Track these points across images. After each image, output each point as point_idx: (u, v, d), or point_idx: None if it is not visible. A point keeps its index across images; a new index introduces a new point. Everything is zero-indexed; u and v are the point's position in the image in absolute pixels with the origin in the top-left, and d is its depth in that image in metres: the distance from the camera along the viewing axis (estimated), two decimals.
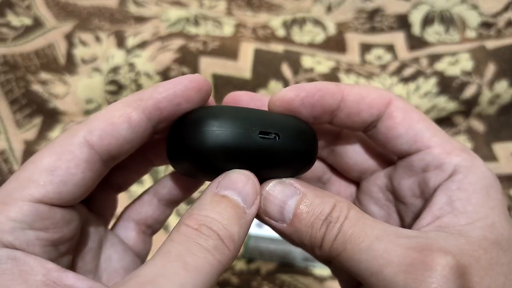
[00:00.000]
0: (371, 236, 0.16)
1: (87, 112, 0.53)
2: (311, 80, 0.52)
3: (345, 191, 0.24)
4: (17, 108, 0.51)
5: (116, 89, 0.53)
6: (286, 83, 0.52)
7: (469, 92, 0.50)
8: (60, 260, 0.17)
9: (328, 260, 0.17)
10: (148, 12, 0.63)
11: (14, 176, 0.16)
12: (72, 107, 0.52)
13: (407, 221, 0.20)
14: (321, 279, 0.41)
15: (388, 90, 0.20)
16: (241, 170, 0.17)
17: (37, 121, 0.51)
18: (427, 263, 0.15)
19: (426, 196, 0.19)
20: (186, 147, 0.17)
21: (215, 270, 0.14)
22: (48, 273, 0.15)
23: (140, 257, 0.22)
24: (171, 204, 0.22)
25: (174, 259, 0.14)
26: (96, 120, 0.16)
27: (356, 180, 0.23)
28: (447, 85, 0.51)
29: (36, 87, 0.52)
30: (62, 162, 0.15)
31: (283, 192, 0.17)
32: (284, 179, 0.18)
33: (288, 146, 0.17)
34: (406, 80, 0.52)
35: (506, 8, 0.57)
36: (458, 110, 0.51)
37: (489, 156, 0.50)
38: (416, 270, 0.15)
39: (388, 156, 0.22)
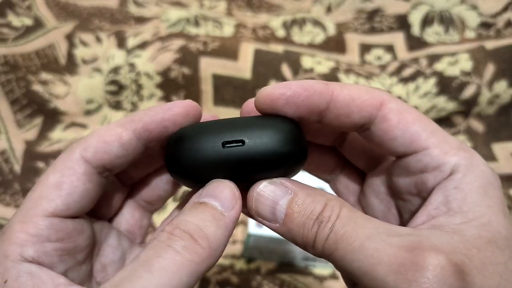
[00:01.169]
0: (362, 235, 0.16)
1: (88, 112, 0.53)
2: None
3: (353, 184, 0.24)
4: (17, 108, 0.51)
5: (116, 89, 0.53)
6: None
7: (468, 92, 0.51)
8: (79, 268, 0.18)
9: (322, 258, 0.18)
10: (148, 13, 0.63)
11: (28, 197, 0.18)
12: (72, 107, 0.52)
13: (405, 217, 0.20)
14: (321, 279, 0.41)
15: (381, 90, 0.19)
16: (220, 179, 0.18)
17: (38, 121, 0.52)
18: (418, 263, 0.14)
19: (424, 195, 0.19)
20: (174, 163, 0.18)
21: (185, 269, 0.15)
22: (57, 287, 0.16)
23: (137, 237, 0.23)
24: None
25: (141, 264, 0.15)
26: (91, 139, 0.19)
27: (364, 171, 0.23)
28: (446, 85, 0.51)
29: (37, 87, 0.52)
30: (66, 177, 0.18)
31: (274, 192, 0.18)
32: (275, 179, 0.18)
33: (258, 150, 0.17)
34: (405, 80, 0.52)
35: (505, 9, 0.57)
36: (457, 110, 0.51)
37: (488, 156, 0.50)
38: (407, 270, 0.14)
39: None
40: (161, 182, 0.23)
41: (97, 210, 0.21)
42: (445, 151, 0.18)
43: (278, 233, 0.18)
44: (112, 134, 0.18)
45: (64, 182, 0.18)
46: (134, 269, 0.15)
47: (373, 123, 0.19)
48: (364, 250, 0.15)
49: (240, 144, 0.17)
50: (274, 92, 0.18)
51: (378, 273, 0.15)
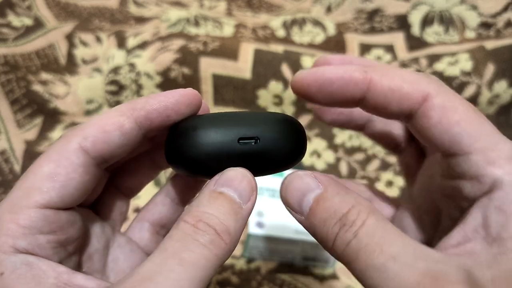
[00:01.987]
0: (387, 254, 0.15)
1: (88, 112, 0.53)
2: None
3: (415, 163, 0.23)
4: (17, 108, 0.51)
5: (116, 89, 0.53)
6: (286, 84, 0.52)
7: (468, 92, 0.51)
8: (69, 259, 0.18)
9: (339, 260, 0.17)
10: (148, 13, 0.63)
11: (17, 186, 0.17)
12: (72, 107, 0.52)
13: (443, 222, 0.19)
14: (321, 279, 0.41)
15: (430, 80, 0.17)
16: (237, 168, 0.18)
17: (38, 121, 0.52)
18: None
19: (461, 204, 0.17)
20: (180, 155, 0.18)
21: (211, 264, 0.15)
22: (59, 276, 0.16)
23: (118, 223, 0.23)
24: (184, 202, 0.23)
25: (171, 256, 0.14)
26: (90, 127, 0.17)
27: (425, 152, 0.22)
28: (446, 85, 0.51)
29: (37, 87, 0.52)
30: (61, 168, 0.17)
31: (304, 184, 0.17)
32: (308, 171, 0.18)
33: (271, 147, 0.18)
34: None
35: (505, 9, 0.57)
36: None
37: None
38: None
39: None
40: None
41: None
42: (490, 160, 0.16)
43: (303, 226, 0.17)
44: (112, 122, 0.17)
45: (59, 174, 0.17)
46: (163, 261, 0.14)
47: (414, 117, 0.17)
48: (386, 271, 0.14)
49: (254, 141, 0.18)
50: (307, 77, 0.18)
51: None
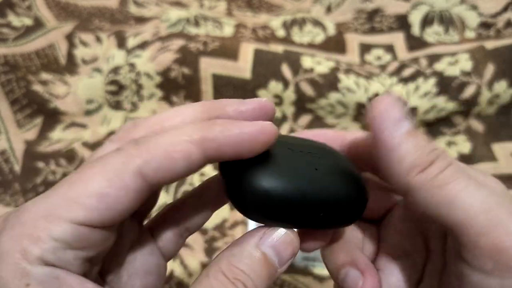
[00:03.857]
0: (475, 183, 0.16)
1: (88, 112, 0.53)
2: (311, 80, 0.52)
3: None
4: (17, 108, 0.51)
5: (116, 89, 0.53)
6: (286, 84, 0.52)
7: (468, 92, 0.51)
8: (92, 270, 0.17)
9: (417, 188, 0.17)
10: (148, 13, 0.63)
11: (61, 191, 0.15)
12: (72, 107, 0.53)
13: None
14: (320, 279, 0.41)
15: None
16: (288, 231, 0.18)
17: (38, 121, 0.52)
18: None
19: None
20: (246, 199, 0.17)
21: None
22: None
23: (166, 258, 0.22)
24: (216, 207, 0.22)
25: None
26: (155, 150, 0.16)
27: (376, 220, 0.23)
28: (446, 85, 0.51)
29: (37, 87, 0.52)
30: (112, 189, 0.15)
31: (400, 113, 0.17)
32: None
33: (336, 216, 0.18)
34: (405, 80, 0.52)
35: (505, 9, 0.57)
36: (457, 110, 0.51)
37: (488, 156, 0.50)
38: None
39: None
40: (205, 210, 0.22)
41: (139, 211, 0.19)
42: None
43: (389, 143, 0.17)
44: (180, 150, 0.16)
45: (109, 195, 0.15)
46: None
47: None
48: (486, 189, 0.16)
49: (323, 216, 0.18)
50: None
51: (498, 214, 0.15)
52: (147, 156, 0.15)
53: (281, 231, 0.17)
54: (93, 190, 0.15)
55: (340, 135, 0.22)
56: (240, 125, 0.16)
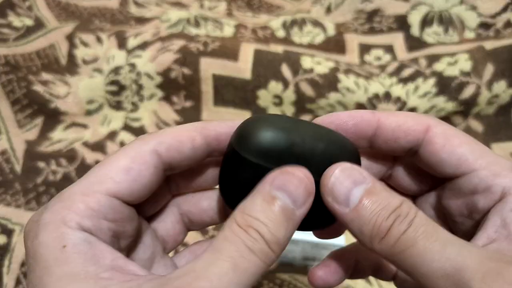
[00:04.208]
0: (444, 238, 0.16)
1: (88, 112, 0.53)
2: (311, 80, 0.52)
3: None
4: (18, 108, 0.52)
5: (117, 90, 0.53)
6: (286, 84, 0.52)
7: (467, 92, 0.51)
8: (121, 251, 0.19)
9: (384, 256, 0.17)
10: (148, 13, 0.63)
11: (93, 172, 0.18)
12: (73, 107, 0.53)
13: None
14: None
15: (428, 116, 0.20)
16: (296, 168, 0.17)
17: (38, 121, 0.52)
18: (504, 275, 0.14)
19: (475, 217, 0.19)
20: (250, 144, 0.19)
21: (260, 271, 0.16)
22: (115, 259, 0.16)
23: (168, 247, 0.23)
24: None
25: (225, 259, 0.15)
26: (165, 135, 0.19)
27: (412, 198, 0.24)
28: (446, 85, 0.51)
29: (37, 88, 0.52)
30: (135, 164, 0.18)
31: (353, 177, 0.18)
32: (355, 166, 0.18)
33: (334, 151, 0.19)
34: (405, 80, 0.52)
35: (505, 9, 0.58)
36: (456, 110, 0.52)
37: None
38: (493, 280, 0.14)
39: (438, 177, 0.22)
40: (212, 211, 0.23)
41: (143, 204, 0.20)
42: (495, 173, 0.18)
43: (343, 219, 0.17)
44: (186, 135, 0.19)
45: (133, 169, 0.18)
46: (218, 262, 0.15)
47: (421, 147, 0.20)
48: (447, 252, 0.15)
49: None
50: (325, 120, 0.20)
51: (461, 277, 0.15)
52: (159, 138, 0.19)
53: (289, 172, 0.17)
54: (119, 166, 0.18)
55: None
56: (232, 121, 0.20)
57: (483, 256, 0.15)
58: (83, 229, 0.16)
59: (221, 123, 0.20)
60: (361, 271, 0.24)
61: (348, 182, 0.17)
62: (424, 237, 0.16)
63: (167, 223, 0.23)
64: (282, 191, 0.17)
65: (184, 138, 0.19)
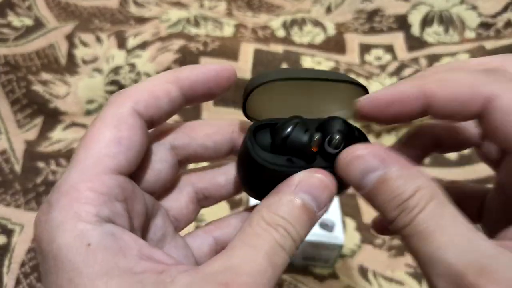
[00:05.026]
0: (437, 243, 0.15)
1: (88, 112, 0.53)
2: None
3: None
4: (18, 108, 0.51)
5: (116, 89, 0.53)
6: None
7: None
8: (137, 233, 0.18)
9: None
10: (148, 13, 0.63)
11: (82, 155, 0.16)
12: (72, 107, 0.53)
13: None
14: (321, 279, 0.41)
15: (494, 80, 0.17)
16: (322, 173, 0.18)
17: (38, 121, 0.52)
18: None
19: None
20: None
21: (285, 267, 0.17)
22: (141, 249, 0.16)
23: (180, 226, 0.22)
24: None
25: (263, 256, 0.16)
26: (139, 92, 0.18)
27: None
28: None
29: (37, 87, 0.52)
30: (123, 132, 0.17)
31: (366, 163, 0.17)
32: (370, 146, 0.18)
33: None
34: None
35: (505, 9, 0.57)
36: None
37: None
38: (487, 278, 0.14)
39: None
40: (229, 185, 0.22)
41: (147, 182, 0.20)
42: None
43: (361, 195, 0.17)
44: (161, 89, 0.18)
45: (123, 137, 0.17)
46: (256, 259, 0.16)
47: (480, 119, 0.17)
48: (433, 259, 0.15)
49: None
50: (365, 106, 0.18)
51: (435, 282, 0.15)
52: (134, 98, 0.18)
53: (316, 176, 0.18)
54: (108, 138, 0.16)
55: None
56: (205, 66, 0.20)
57: (468, 265, 0.14)
58: (102, 219, 0.15)
59: (193, 69, 0.19)
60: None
61: (362, 169, 0.17)
62: (418, 238, 0.15)
63: (181, 202, 0.22)
64: (308, 195, 0.17)
65: (160, 93, 0.18)
